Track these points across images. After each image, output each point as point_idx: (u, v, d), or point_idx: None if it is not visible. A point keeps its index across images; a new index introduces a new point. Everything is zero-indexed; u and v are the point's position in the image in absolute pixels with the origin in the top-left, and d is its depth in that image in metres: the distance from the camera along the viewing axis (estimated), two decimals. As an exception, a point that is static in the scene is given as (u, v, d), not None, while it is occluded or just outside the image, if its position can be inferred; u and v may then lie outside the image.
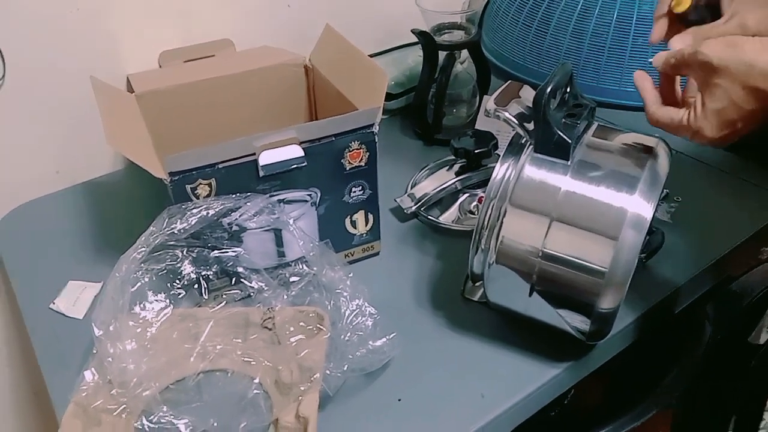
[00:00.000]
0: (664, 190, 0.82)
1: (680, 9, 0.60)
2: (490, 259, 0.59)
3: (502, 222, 0.58)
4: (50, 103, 0.87)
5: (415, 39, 0.94)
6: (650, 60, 0.59)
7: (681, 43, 0.55)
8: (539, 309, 0.60)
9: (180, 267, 0.65)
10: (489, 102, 0.61)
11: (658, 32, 0.62)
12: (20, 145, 0.88)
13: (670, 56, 0.56)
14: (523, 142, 0.60)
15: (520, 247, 0.58)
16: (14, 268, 0.80)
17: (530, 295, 0.59)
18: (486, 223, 0.60)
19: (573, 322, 0.59)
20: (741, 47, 0.51)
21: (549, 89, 0.56)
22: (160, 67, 0.92)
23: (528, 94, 0.62)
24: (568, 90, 0.62)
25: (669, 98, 0.60)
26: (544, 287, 0.58)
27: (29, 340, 0.71)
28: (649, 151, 0.59)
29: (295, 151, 0.67)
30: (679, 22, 0.61)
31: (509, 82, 0.64)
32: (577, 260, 0.56)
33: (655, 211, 0.56)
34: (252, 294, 0.66)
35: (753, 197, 0.84)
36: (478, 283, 0.64)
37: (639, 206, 0.55)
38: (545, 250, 0.57)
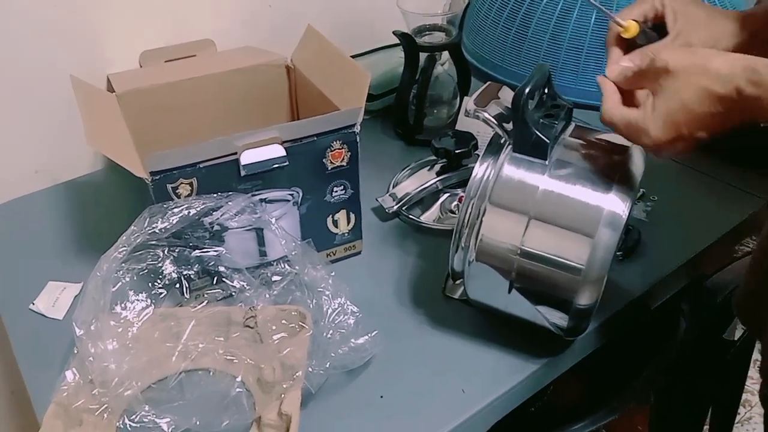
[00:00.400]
0: (641, 190, 0.83)
1: (629, 35, 0.61)
2: (470, 257, 0.60)
3: (481, 220, 0.59)
4: (29, 102, 0.87)
5: (396, 40, 0.94)
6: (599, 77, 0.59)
7: (630, 62, 0.56)
8: (518, 306, 0.61)
9: (161, 266, 0.65)
10: (469, 103, 0.61)
11: (614, 59, 0.63)
12: (-1, 145, 0.87)
13: (626, 68, 0.56)
14: (502, 142, 0.61)
15: (499, 245, 0.59)
16: (-7, 269, 0.79)
17: (509, 291, 0.60)
18: (466, 221, 0.61)
19: (551, 318, 0.60)
20: (696, 52, 0.53)
21: (527, 90, 0.57)
22: (141, 66, 0.92)
23: (507, 95, 0.63)
24: (546, 91, 0.63)
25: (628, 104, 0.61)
26: (522, 284, 0.59)
27: (6, 340, 0.71)
28: (624, 151, 0.60)
29: (277, 151, 0.68)
30: (628, 48, 0.62)
31: (489, 83, 0.65)
32: (554, 257, 0.57)
33: (632, 210, 0.57)
34: (234, 293, 0.66)
35: (727, 197, 0.86)
36: (458, 281, 0.65)
37: (614, 205, 0.57)
38: (524, 247, 0.58)
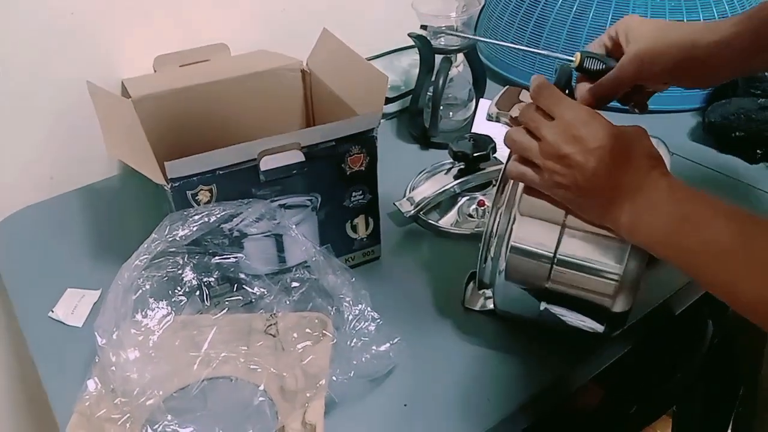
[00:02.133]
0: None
1: (575, 65, 0.65)
2: (500, 267, 0.59)
3: (511, 229, 0.57)
4: (44, 109, 0.87)
5: (410, 42, 0.94)
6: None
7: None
8: (551, 315, 0.60)
9: (181, 274, 0.64)
10: (491, 106, 0.61)
11: (579, 88, 0.65)
12: (14, 151, 0.87)
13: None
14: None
15: (531, 254, 0.57)
16: (10, 276, 0.79)
17: (542, 301, 0.59)
18: (494, 231, 0.59)
19: (586, 325, 0.59)
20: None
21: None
22: (155, 71, 0.92)
23: (527, 98, 0.62)
24: (567, 92, 0.62)
25: None
26: (557, 293, 0.58)
27: (24, 348, 0.71)
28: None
29: (296, 157, 0.67)
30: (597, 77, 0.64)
31: (508, 86, 0.64)
32: (590, 264, 0.56)
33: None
34: (253, 300, 0.66)
35: (752, 199, 0.85)
36: (482, 291, 0.63)
37: None
38: (559, 255, 0.56)
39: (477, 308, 0.70)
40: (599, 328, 0.59)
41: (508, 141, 0.57)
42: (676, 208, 0.49)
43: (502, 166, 0.60)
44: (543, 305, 0.59)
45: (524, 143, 0.55)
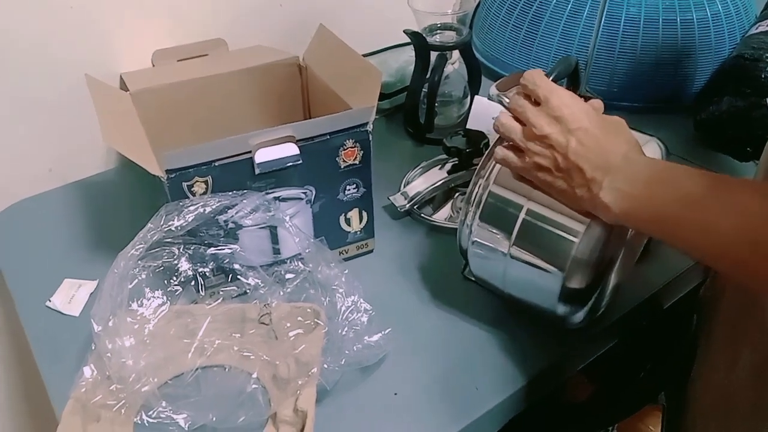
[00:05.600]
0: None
1: None
2: (472, 232, 0.63)
3: (484, 198, 0.62)
4: (43, 103, 0.87)
5: (405, 39, 0.95)
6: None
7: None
8: (515, 285, 0.63)
9: (177, 264, 0.65)
10: (492, 87, 0.63)
11: None
12: (13, 144, 0.88)
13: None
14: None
15: (498, 223, 0.61)
16: (9, 267, 0.80)
17: (505, 269, 0.62)
18: (472, 200, 0.63)
19: (544, 302, 0.62)
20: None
21: (551, 78, 0.58)
22: (153, 66, 0.93)
23: None
24: (572, 83, 0.64)
25: None
26: (517, 260, 0.61)
27: (22, 339, 0.71)
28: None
29: (291, 149, 0.68)
30: None
31: (514, 72, 0.66)
32: (551, 230, 0.59)
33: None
34: (248, 291, 0.66)
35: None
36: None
37: None
38: (519, 229, 0.60)
39: (474, 278, 0.72)
40: (555, 304, 0.61)
41: (496, 126, 0.59)
42: (652, 176, 0.51)
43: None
44: (506, 274, 0.62)
45: (509, 126, 0.58)
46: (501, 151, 0.59)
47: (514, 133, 0.57)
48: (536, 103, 0.56)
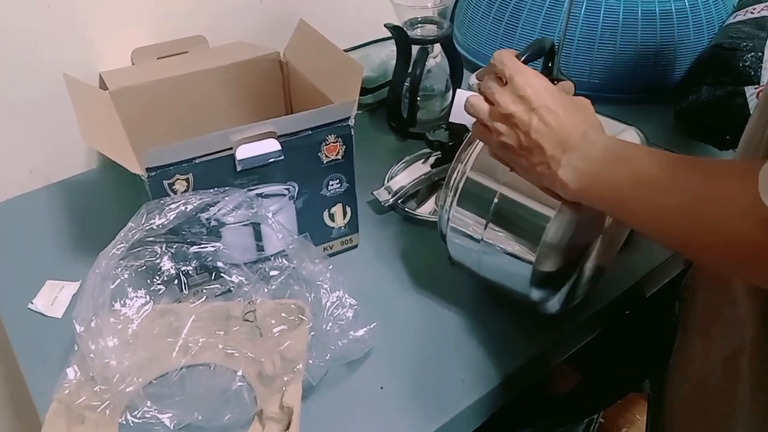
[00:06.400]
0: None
1: None
2: (450, 217, 0.64)
3: (464, 180, 0.63)
4: (22, 104, 0.86)
5: (387, 34, 0.94)
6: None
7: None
8: (489, 268, 0.64)
9: (159, 263, 0.65)
10: (471, 77, 0.63)
11: None
12: (-8, 145, 0.87)
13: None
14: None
15: (473, 207, 0.63)
16: (-10, 269, 0.79)
17: (480, 254, 0.63)
18: (450, 184, 0.64)
19: (518, 286, 0.63)
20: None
21: (522, 60, 0.59)
22: (133, 64, 0.92)
23: None
24: (550, 65, 0.65)
25: None
26: (492, 247, 0.62)
27: (4, 341, 0.71)
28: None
29: (272, 145, 0.68)
30: None
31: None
32: (518, 224, 0.60)
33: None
34: (232, 289, 0.66)
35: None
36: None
37: None
38: (493, 211, 0.61)
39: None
40: (527, 289, 0.62)
41: (466, 106, 0.60)
42: (608, 155, 0.52)
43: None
44: (480, 255, 0.64)
45: (477, 106, 0.59)
46: (475, 128, 0.61)
47: (481, 112, 0.58)
48: (505, 83, 0.57)
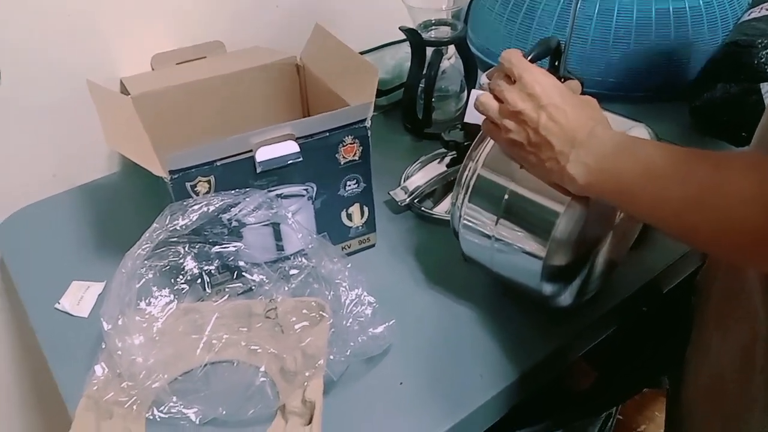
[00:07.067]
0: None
1: None
2: (462, 214, 0.65)
3: (472, 182, 0.64)
4: (45, 109, 0.89)
5: (401, 36, 0.96)
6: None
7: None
8: (502, 264, 0.65)
9: (182, 263, 0.66)
10: (482, 76, 0.64)
11: None
12: (16, 150, 0.89)
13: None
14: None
15: (484, 204, 0.64)
16: (17, 271, 0.81)
17: (492, 250, 0.64)
18: (462, 181, 0.65)
19: (529, 281, 0.63)
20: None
21: (529, 58, 0.60)
22: (153, 69, 0.94)
23: None
24: (557, 64, 0.67)
25: None
26: (503, 236, 0.63)
27: (33, 340, 0.73)
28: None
29: (291, 147, 0.69)
30: None
31: None
32: (528, 219, 0.61)
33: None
34: (253, 287, 0.68)
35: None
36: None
37: None
38: (504, 208, 0.62)
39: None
40: (543, 287, 0.62)
41: (476, 104, 0.61)
42: (615, 150, 0.53)
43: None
44: (492, 251, 0.65)
45: (487, 104, 0.60)
46: (485, 125, 0.62)
47: (491, 110, 0.59)
48: (514, 82, 0.58)
